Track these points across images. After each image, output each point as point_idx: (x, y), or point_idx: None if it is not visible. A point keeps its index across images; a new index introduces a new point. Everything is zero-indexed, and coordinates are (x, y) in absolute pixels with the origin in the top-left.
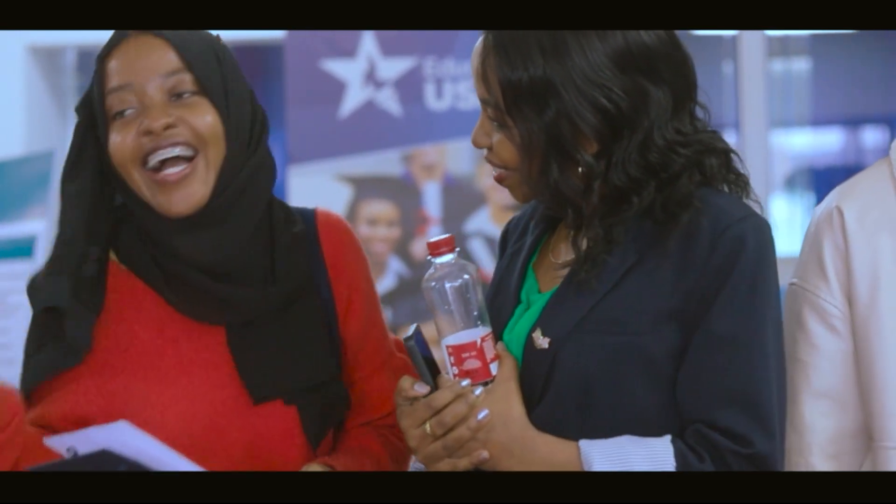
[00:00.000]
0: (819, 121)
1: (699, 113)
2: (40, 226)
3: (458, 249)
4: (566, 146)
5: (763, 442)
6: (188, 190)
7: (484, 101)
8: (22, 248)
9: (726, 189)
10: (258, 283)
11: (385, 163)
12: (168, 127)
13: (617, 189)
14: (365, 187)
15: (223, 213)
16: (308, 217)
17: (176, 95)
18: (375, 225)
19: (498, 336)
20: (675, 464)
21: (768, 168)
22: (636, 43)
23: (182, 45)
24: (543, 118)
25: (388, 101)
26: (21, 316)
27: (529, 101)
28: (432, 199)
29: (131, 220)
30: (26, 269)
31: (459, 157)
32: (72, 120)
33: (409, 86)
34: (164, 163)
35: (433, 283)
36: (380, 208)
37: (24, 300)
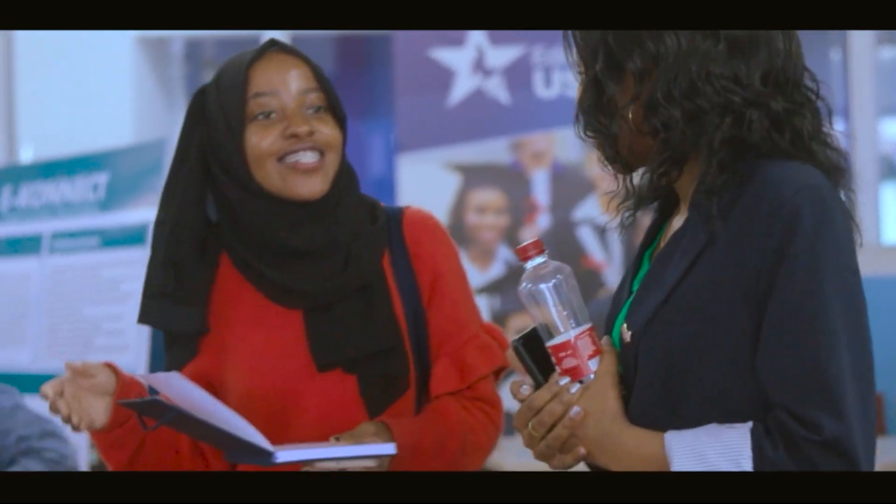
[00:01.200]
0: None
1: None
2: (152, 214)
3: (546, 251)
4: (605, 78)
5: (833, 425)
6: (316, 179)
7: (567, 54)
8: (134, 237)
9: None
10: (336, 269)
11: (493, 151)
12: (309, 133)
13: (654, 129)
14: (473, 175)
15: (332, 206)
16: (395, 215)
17: (311, 108)
18: (484, 213)
19: (610, 329)
20: (751, 454)
21: (877, 156)
22: None
23: (316, 67)
24: (589, 51)
25: (497, 89)
26: (133, 303)
27: (583, 36)
28: (541, 186)
29: (225, 219)
30: (138, 257)
31: (568, 144)
32: (180, 109)
33: (517, 74)
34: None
35: (525, 287)
36: (488, 196)
37: (136, 288)
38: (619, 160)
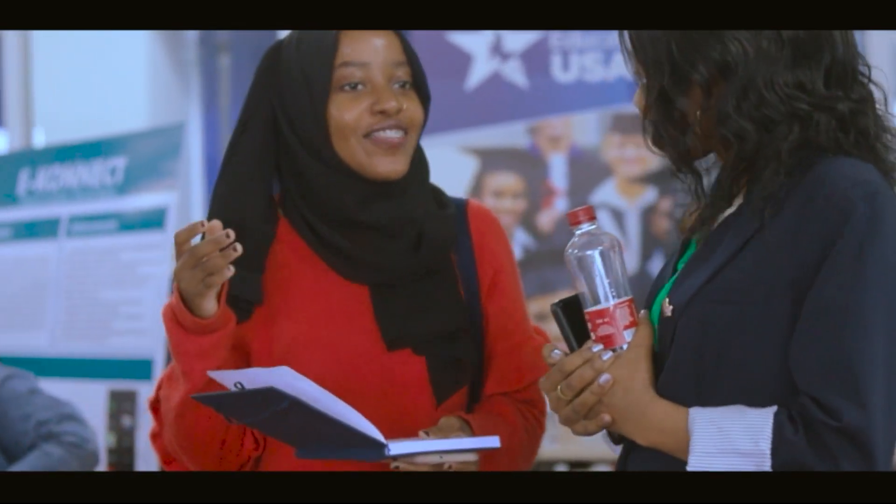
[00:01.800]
0: None
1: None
2: (170, 198)
3: (596, 219)
4: (670, 89)
5: (853, 414)
6: (399, 157)
7: (624, 53)
8: (152, 221)
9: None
10: (408, 248)
11: (511, 135)
12: (398, 111)
13: (724, 138)
14: (491, 159)
15: (407, 186)
16: (461, 205)
17: (398, 83)
18: (501, 197)
19: (650, 305)
20: (770, 435)
21: None
22: None
23: (405, 41)
24: (655, 60)
25: (515, 73)
26: (151, 286)
27: (646, 45)
28: (558, 171)
29: (293, 186)
30: (156, 241)
31: (586, 128)
32: (194, 93)
33: (535, 58)
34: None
35: (571, 252)
36: (506, 180)
37: (155, 271)
38: (690, 169)
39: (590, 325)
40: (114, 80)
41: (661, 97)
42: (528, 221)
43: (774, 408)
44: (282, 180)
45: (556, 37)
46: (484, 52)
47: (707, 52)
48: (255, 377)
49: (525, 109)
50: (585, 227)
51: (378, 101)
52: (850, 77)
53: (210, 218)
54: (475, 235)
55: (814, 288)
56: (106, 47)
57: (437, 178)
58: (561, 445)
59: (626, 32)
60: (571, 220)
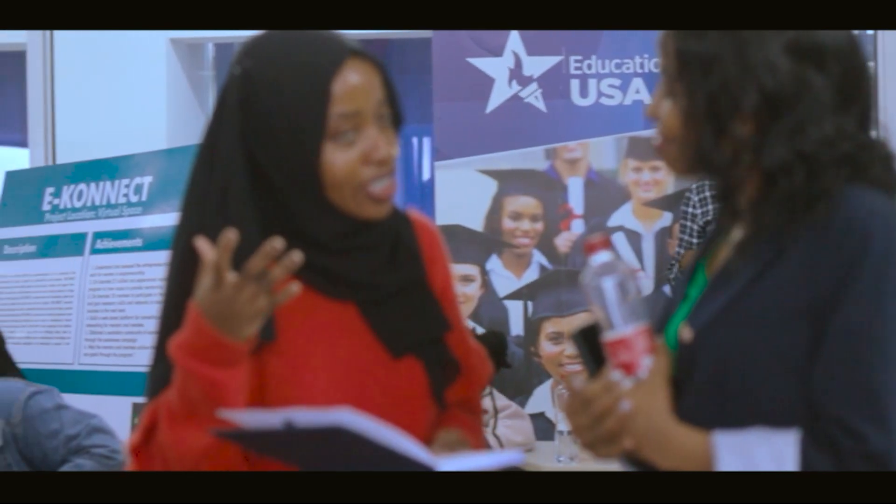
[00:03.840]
0: None
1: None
2: None
3: (612, 249)
4: (723, 117)
5: (878, 439)
6: (388, 203)
7: (661, 70)
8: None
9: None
10: (385, 262)
11: (529, 158)
12: (390, 158)
13: (768, 171)
14: (509, 182)
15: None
16: (404, 216)
17: (382, 121)
18: (519, 219)
19: (662, 331)
20: (796, 461)
21: None
22: (810, 35)
23: (387, 74)
24: (706, 87)
25: (534, 97)
26: None
27: (697, 69)
28: (576, 193)
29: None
30: None
31: (603, 152)
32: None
33: (554, 82)
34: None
35: (589, 281)
36: (524, 203)
37: None
38: (734, 199)
39: (609, 353)
40: (134, 99)
41: (713, 123)
42: (545, 243)
43: (798, 432)
44: (258, 207)
45: (574, 61)
46: (504, 76)
47: (761, 81)
48: (310, 418)
49: (544, 133)
50: (602, 255)
51: (372, 152)
52: (869, 119)
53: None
54: (424, 247)
55: (836, 314)
56: (127, 66)
57: (457, 199)
58: (580, 465)
59: (671, 48)
60: (588, 249)
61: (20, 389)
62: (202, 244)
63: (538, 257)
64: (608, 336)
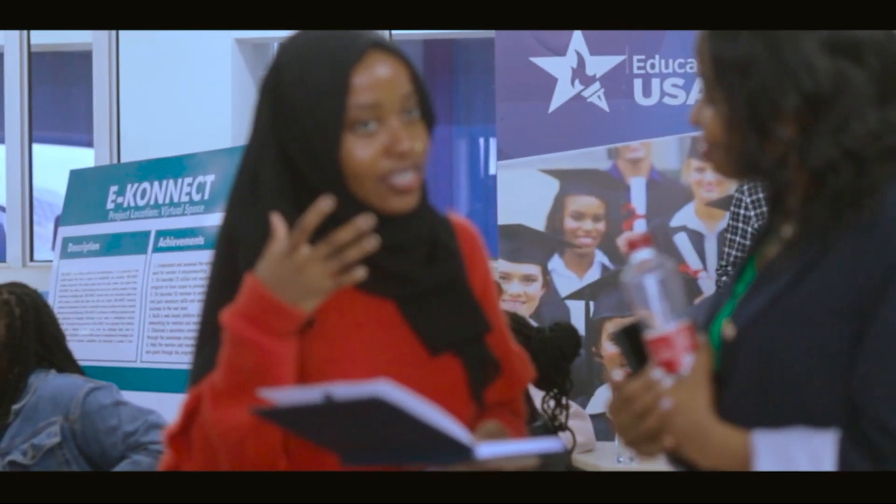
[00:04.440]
0: None
1: None
2: None
3: (653, 246)
4: (765, 120)
5: None
6: (412, 196)
7: (700, 76)
8: None
9: None
10: (423, 260)
11: (592, 158)
12: (412, 151)
13: (815, 170)
14: (571, 181)
15: (417, 213)
16: (444, 217)
17: (406, 113)
18: (581, 219)
19: (707, 328)
20: (835, 461)
21: None
22: (845, 30)
23: (413, 67)
24: (745, 91)
25: (597, 96)
26: None
27: (734, 74)
28: (638, 193)
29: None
30: None
31: (666, 152)
32: None
33: (617, 82)
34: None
35: (630, 279)
36: (586, 202)
37: None
38: (783, 200)
39: (650, 351)
40: (200, 98)
41: (755, 127)
42: (607, 243)
43: (838, 432)
44: (297, 201)
45: (637, 61)
46: (567, 75)
47: (800, 82)
48: (348, 390)
49: (606, 133)
50: (643, 252)
51: (393, 144)
52: None
53: (246, 257)
54: (464, 248)
55: (878, 314)
56: (192, 66)
57: (519, 199)
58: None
59: (706, 55)
60: (629, 247)
61: (79, 386)
62: (275, 219)
63: (600, 257)
64: (650, 334)
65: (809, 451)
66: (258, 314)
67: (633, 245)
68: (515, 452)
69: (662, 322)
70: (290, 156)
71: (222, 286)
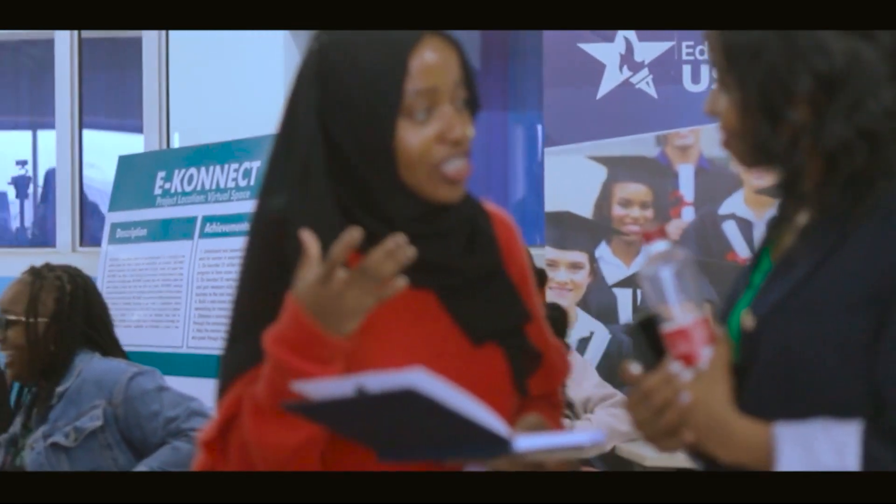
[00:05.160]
0: None
1: None
2: None
3: (669, 238)
4: (776, 104)
5: None
6: (462, 185)
7: (712, 64)
8: None
9: None
10: (463, 250)
11: (640, 144)
12: (466, 139)
13: (829, 153)
14: (619, 168)
15: (462, 200)
16: (481, 205)
17: (459, 102)
18: (629, 206)
19: (725, 319)
20: (859, 451)
21: None
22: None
23: (466, 56)
24: (755, 76)
25: (645, 82)
26: None
27: (745, 59)
28: (686, 181)
29: (350, 197)
30: None
31: (715, 139)
32: None
33: (665, 68)
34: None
35: (646, 271)
36: (634, 189)
37: None
38: (797, 186)
39: (668, 344)
40: (251, 86)
41: (767, 112)
42: None
43: (861, 423)
44: (336, 190)
45: (686, 47)
46: (615, 61)
47: (812, 63)
48: (382, 382)
49: (655, 119)
50: (659, 244)
51: (447, 131)
52: None
53: (298, 245)
54: (501, 240)
55: None
56: (243, 53)
57: (566, 186)
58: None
59: (717, 42)
60: (644, 239)
61: (122, 370)
62: (307, 237)
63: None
64: (667, 327)
65: (833, 442)
66: (300, 341)
67: (648, 237)
68: (555, 445)
69: (679, 315)
70: (337, 141)
71: (261, 273)
